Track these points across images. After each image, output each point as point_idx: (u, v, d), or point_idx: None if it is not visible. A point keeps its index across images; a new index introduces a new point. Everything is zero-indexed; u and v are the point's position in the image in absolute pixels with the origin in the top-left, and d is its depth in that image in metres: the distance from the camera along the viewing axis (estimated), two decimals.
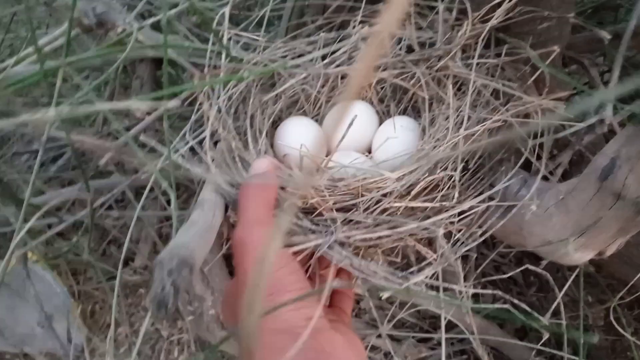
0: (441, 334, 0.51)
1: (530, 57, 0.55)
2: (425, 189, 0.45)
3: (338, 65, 0.57)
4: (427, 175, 0.44)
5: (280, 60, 0.54)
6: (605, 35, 0.54)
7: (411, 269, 0.45)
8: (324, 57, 0.58)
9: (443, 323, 0.52)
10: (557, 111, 0.48)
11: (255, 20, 0.79)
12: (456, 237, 0.46)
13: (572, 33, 0.63)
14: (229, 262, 1.07)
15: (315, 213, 0.45)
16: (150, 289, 0.30)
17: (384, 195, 0.44)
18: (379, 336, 0.99)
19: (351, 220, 0.44)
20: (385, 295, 0.45)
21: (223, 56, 0.50)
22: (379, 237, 0.43)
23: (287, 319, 0.35)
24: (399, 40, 0.57)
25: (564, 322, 0.61)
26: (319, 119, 0.60)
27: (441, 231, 0.43)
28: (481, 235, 0.48)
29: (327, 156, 0.51)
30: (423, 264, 0.46)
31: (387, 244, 0.47)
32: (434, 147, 0.47)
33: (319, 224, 0.44)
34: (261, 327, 0.35)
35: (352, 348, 0.38)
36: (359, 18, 0.58)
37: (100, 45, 0.54)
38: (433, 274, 0.46)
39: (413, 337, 1.03)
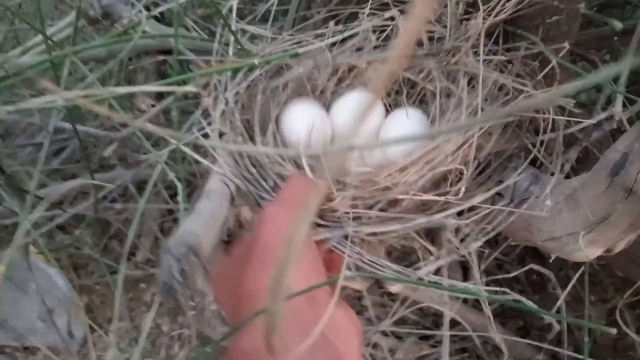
0: (444, 330, 0.51)
1: (539, 53, 0.55)
2: (433, 184, 0.45)
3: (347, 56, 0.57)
4: (437, 165, 0.44)
5: (289, 49, 0.54)
6: (618, 24, 0.54)
7: (418, 264, 0.45)
8: (331, 49, 0.57)
9: (447, 319, 0.52)
10: (567, 106, 0.48)
11: (261, 14, 0.79)
12: (466, 233, 0.46)
13: (580, 30, 0.62)
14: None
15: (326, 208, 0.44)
16: (158, 275, 0.30)
17: (389, 186, 0.43)
18: (382, 333, 0.99)
19: (360, 216, 0.44)
20: (394, 288, 0.45)
21: (230, 47, 0.50)
22: (389, 232, 0.43)
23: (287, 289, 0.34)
24: None
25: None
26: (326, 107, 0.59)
27: (452, 221, 0.42)
28: (491, 231, 0.48)
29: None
30: (430, 258, 0.46)
31: (392, 240, 0.46)
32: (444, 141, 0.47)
33: (328, 218, 0.44)
34: (260, 298, 0.34)
35: (349, 318, 0.37)
36: (367, 10, 0.57)
37: (106, 36, 0.54)
38: (438, 270, 0.46)
39: (416, 333, 1.03)
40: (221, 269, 0.43)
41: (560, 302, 0.63)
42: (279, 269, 0.15)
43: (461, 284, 0.46)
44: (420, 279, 0.41)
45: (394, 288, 0.44)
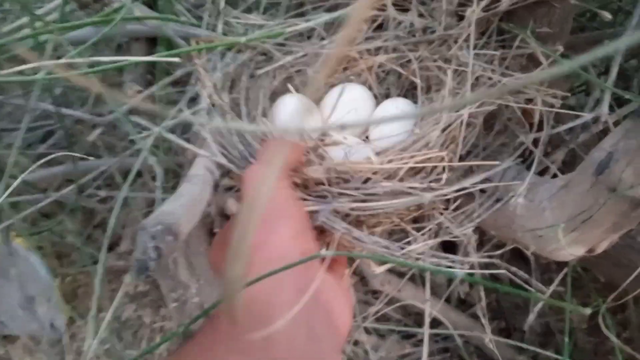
0: (425, 328, 0.51)
1: (530, 52, 0.55)
2: (416, 170, 0.45)
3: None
4: (415, 157, 0.44)
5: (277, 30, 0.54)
6: (606, 15, 0.55)
7: (407, 239, 0.45)
8: (323, 38, 0.57)
9: (427, 317, 0.52)
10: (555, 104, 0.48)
11: (252, 5, 0.78)
12: (452, 215, 0.46)
13: (571, 34, 0.63)
14: None
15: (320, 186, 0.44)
16: (134, 253, 0.29)
17: (374, 173, 0.44)
18: (365, 330, 0.99)
19: (343, 194, 0.44)
20: (380, 269, 0.45)
21: (219, 28, 0.50)
22: (375, 208, 0.43)
23: (282, 249, 0.35)
24: (399, 24, 0.57)
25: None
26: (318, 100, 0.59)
27: (429, 197, 0.43)
28: (474, 219, 0.48)
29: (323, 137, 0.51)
30: (420, 233, 0.46)
31: (374, 222, 0.46)
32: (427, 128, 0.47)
33: (314, 195, 0.44)
34: (254, 255, 0.34)
35: (342, 289, 0.39)
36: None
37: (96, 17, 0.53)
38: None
39: (398, 332, 1.03)
40: (218, 236, 0.44)
41: (542, 302, 0.63)
42: (246, 213, 0.15)
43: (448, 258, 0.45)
44: (408, 255, 0.41)
45: (379, 269, 0.43)
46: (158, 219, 0.31)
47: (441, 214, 0.45)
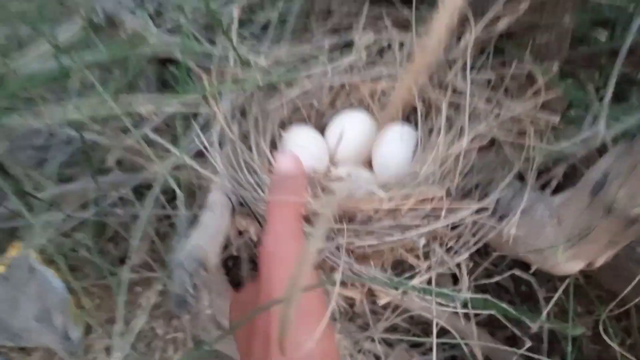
0: (433, 338, 0.53)
1: (528, 70, 0.57)
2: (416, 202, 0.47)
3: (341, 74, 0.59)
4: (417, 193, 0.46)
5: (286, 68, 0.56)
6: (603, 33, 0.57)
7: (407, 274, 0.47)
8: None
9: (435, 326, 0.54)
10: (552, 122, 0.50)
11: (261, 25, 0.80)
12: (449, 246, 0.48)
13: (570, 48, 0.64)
14: (226, 263, 1.09)
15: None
16: (171, 288, 0.31)
17: (376, 211, 0.46)
18: (372, 340, 1.00)
19: (348, 230, 0.46)
20: (383, 301, 0.47)
21: (231, 58, 0.52)
22: (379, 244, 0.45)
23: (306, 350, 0.35)
24: (401, 46, 0.59)
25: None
26: (323, 126, 0.61)
27: (422, 242, 0.45)
28: (474, 244, 0.50)
29: (329, 167, 0.53)
30: (416, 270, 0.48)
31: (379, 255, 0.48)
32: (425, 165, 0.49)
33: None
34: (277, 354, 0.35)
35: None
36: (361, 22, 0.59)
37: (111, 44, 0.56)
38: (429, 280, 0.48)
39: (407, 341, 1.04)
40: (234, 300, 0.44)
41: (546, 310, 0.65)
42: (284, 308, 0.16)
43: (447, 292, 0.47)
44: (405, 292, 0.43)
45: (382, 301, 0.45)
46: (192, 254, 0.33)
47: (442, 243, 0.47)
